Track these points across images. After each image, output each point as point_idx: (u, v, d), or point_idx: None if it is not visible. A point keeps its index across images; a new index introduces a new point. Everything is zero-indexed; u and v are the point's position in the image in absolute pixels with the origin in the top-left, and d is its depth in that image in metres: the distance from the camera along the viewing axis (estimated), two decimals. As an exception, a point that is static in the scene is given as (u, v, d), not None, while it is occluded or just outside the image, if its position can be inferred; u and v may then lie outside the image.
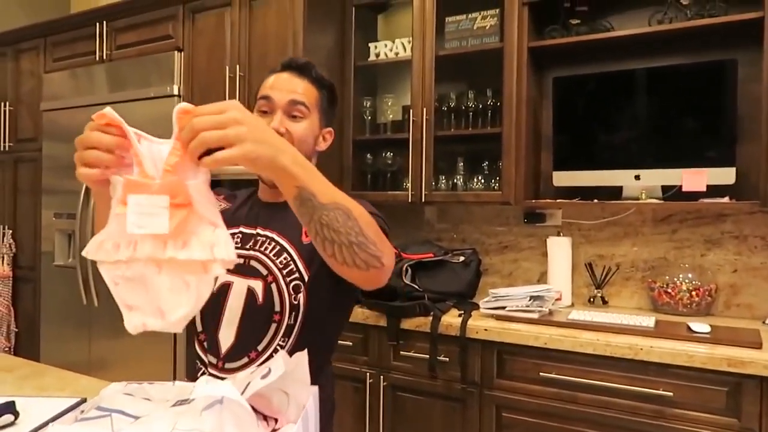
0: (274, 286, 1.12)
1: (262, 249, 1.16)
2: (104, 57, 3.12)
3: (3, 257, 3.63)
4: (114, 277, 0.80)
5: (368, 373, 2.23)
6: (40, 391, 1.22)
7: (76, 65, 3.25)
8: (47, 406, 0.99)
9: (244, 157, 0.76)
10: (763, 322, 2.06)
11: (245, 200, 1.28)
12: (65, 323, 3.18)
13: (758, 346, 1.71)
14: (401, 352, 2.18)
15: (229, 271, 1.13)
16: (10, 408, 0.97)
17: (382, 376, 2.21)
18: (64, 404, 1.00)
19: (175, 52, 2.81)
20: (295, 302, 1.12)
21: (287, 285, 1.12)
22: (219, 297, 1.15)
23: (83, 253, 0.81)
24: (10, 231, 3.66)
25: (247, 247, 1.17)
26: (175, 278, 0.79)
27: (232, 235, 1.18)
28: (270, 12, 2.56)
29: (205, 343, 1.18)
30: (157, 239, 0.76)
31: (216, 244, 0.79)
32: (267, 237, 1.18)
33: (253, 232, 1.19)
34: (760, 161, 1.94)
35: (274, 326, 1.12)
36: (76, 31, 3.27)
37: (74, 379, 1.34)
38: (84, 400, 1.02)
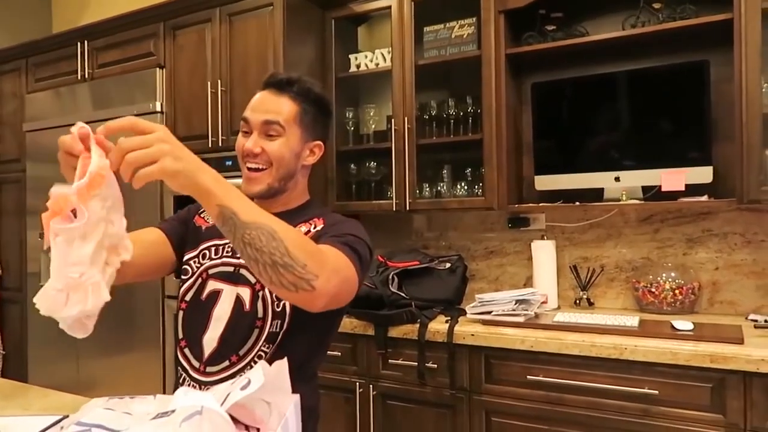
0: (261, 293, 1.15)
1: None
2: (87, 76, 3.13)
3: (-11, 279, 3.61)
4: None
5: (358, 383, 2.23)
6: (23, 411, 1.22)
7: (59, 85, 3.25)
8: (29, 425, 0.99)
9: (162, 171, 0.80)
10: (746, 318, 2.09)
11: None
12: (53, 344, 3.16)
13: (740, 341, 1.73)
14: (390, 361, 2.18)
15: (219, 279, 1.19)
16: (-9, 428, 0.97)
17: (371, 385, 2.21)
18: (45, 422, 1.00)
19: (157, 69, 2.83)
20: (278, 309, 1.14)
21: (272, 293, 1.14)
22: (207, 303, 1.18)
23: None
24: (-4, 253, 3.64)
25: (238, 256, 1.19)
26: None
27: (224, 245, 1.22)
28: (250, 27, 2.58)
29: (186, 350, 1.19)
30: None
31: None
32: None
33: None
34: (735, 160, 1.97)
35: (256, 332, 1.14)
36: (57, 51, 3.28)
37: (59, 397, 1.34)
38: (66, 417, 1.03)
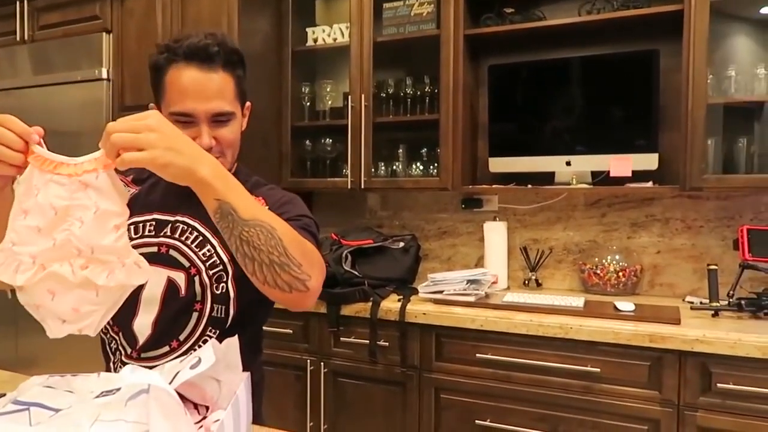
0: (197, 278, 1.08)
1: (182, 238, 1.10)
2: (27, 38, 2.95)
3: None
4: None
5: (309, 360, 2.23)
6: (-44, 389, 1.16)
7: (-4, 46, 3.06)
8: (-38, 404, 0.94)
9: (152, 161, 0.77)
10: (683, 300, 2.18)
11: (158, 180, 1.15)
12: (-11, 319, 3.03)
13: (677, 322, 1.81)
14: (342, 339, 2.19)
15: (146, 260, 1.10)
16: None
17: (322, 363, 2.21)
18: (-20, 400, 0.96)
19: (104, 33, 2.70)
20: (218, 292, 1.08)
21: (210, 277, 1.08)
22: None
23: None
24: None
25: (162, 234, 1.10)
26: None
27: (145, 222, 1.12)
28: (204, -6, 2.48)
29: (118, 335, 1.11)
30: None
31: None
32: (187, 225, 1.11)
33: (171, 218, 1.12)
34: (680, 148, 2.04)
35: (195, 315, 1.08)
36: (-6, 9, 3.08)
37: (-5, 375, 1.28)
38: (3, 395, 0.98)
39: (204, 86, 1.03)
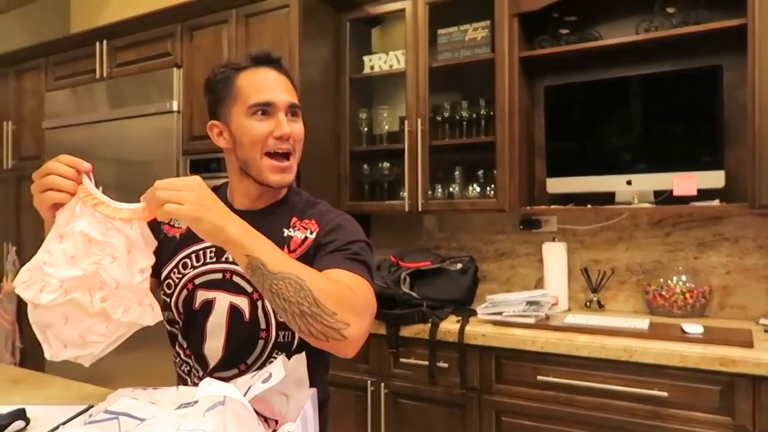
0: (260, 303, 1.11)
1: None
2: (105, 75, 3.18)
3: (7, 274, 3.67)
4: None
5: (369, 381, 2.26)
6: (47, 401, 1.26)
7: (77, 83, 3.30)
8: (56, 413, 1.03)
9: (185, 214, 0.87)
10: (757, 322, 2.09)
11: None
12: (69, 338, 3.21)
13: (749, 345, 1.74)
14: (401, 360, 2.21)
15: (208, 288, 1.13)
16: (20, 415, 1.01)
17: (382, 384, 2.24)
18: (72, 410, 1.04)
19: (174, 68, 2.87)
20: (281, 319, 1.05)
21: None
22: (201, 313, 1.14)
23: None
24: (14, 248, 3.70)
25: (224, 260, 1.13)
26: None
27: (205, 249, 1.15)
28: (266, 28, 2.61)
29: (190, 359, 1.17)
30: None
31: None
32: None
33: None
34: (747, 164, 1.97)
35: (261, 342, 1.11)
36: (76, 50, 3.33)
37: (81, 388, 1.37)
38: (91, 407, 1.06)
39: (280, 80, 1.15)
